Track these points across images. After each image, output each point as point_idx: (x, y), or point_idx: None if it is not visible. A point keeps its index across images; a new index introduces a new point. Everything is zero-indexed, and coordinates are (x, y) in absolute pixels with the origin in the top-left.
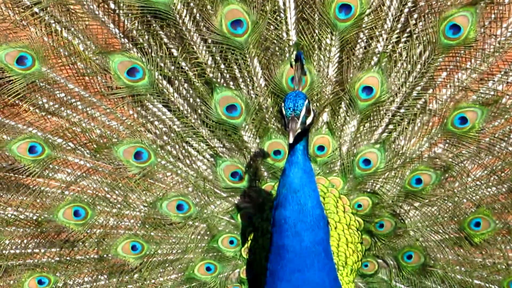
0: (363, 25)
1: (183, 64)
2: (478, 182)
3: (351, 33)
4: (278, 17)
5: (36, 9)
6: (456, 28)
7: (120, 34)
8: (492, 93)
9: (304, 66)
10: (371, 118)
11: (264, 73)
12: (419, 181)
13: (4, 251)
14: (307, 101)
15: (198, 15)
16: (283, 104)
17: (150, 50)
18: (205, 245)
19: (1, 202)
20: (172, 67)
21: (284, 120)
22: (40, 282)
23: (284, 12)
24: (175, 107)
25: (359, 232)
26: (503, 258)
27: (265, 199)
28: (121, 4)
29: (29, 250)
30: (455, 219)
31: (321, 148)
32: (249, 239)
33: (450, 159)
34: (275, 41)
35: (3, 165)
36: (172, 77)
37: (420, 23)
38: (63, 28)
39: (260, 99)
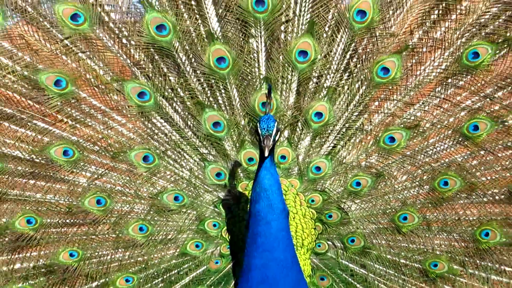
0: (315, 67)
1: (179, 89)
2: (403, 185)
3: (307, 72)
4: (252, 56)
5: (67, 42)
6: (386, 70)
7: (130, 63)
8: (412, 118)
9: (272, 95)
10: (321, 136)
11: (241, 98)
12: (358, 183)
13: (46, 229)
14: (276, 122)
15: (191, 52)
16: (258, 125)
17: (153, 77)
18: (195, 227)
19: (43, 190)
20: (170, 91)
21: (259, 138)
22: (71, 255)
23: (257, 53)
24: (174, 122)
25: (312, 220)
26: (423, 245)
27: (241, 193)
28: (131, 41)
29: (64, 229)
30: (387, 213)
31: (283, 157)
32: (228, 223)
33: (381, 167)
34: (250, 75)
35: (42, 162)
36: (170, 98)
37: (359, 65)
38: (87, 57)
39: (238, 118)
